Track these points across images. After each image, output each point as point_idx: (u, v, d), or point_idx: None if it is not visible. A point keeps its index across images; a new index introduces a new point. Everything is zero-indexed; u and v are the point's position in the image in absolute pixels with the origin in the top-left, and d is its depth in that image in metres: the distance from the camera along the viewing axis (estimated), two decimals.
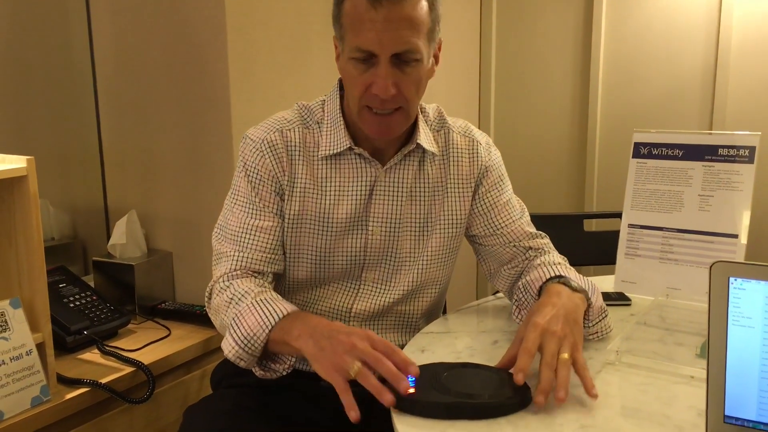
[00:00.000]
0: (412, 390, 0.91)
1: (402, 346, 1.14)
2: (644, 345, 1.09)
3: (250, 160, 1.20)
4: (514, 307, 1.19)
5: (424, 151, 1.21)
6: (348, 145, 1.17)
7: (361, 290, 1.23)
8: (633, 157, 1.35)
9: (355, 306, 1.23)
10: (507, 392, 0.91)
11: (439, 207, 1.23)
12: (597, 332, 1.13)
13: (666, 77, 2.27)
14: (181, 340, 1.51)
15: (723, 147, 1.27)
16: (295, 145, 1.19)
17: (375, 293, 1.23)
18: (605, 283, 1.40)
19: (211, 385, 1.38)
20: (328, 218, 1.19)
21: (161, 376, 1.43)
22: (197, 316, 1.58)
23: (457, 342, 1.14)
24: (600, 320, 1.13)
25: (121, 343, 1.47)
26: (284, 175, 1.18)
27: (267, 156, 1.19)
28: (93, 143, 1.78)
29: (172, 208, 1.72)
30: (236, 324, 1.09)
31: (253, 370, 1.13)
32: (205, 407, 1.21)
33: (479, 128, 1.34)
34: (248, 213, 1.20)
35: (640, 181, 1.34)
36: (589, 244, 1.85)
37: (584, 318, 1.09)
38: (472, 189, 1.25)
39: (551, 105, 2.47)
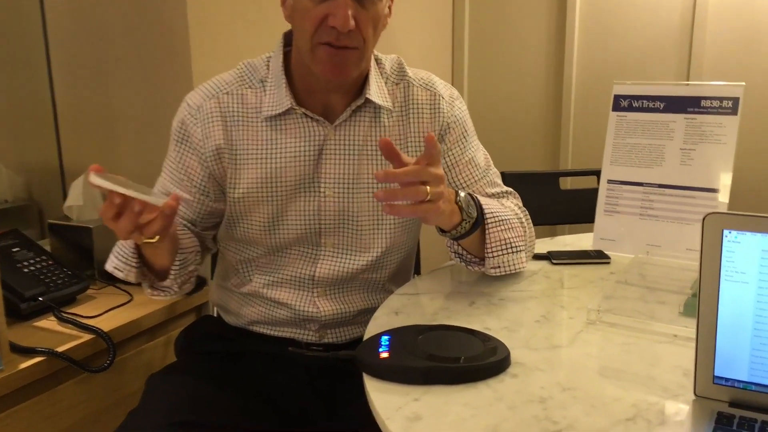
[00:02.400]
0: (385, 354, 0.86)
1: (373, 309, 1.09)
2: (625, 304, 1.05)
3: (183, 127, 1.14)
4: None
5: (377, 106, 1.14)
6: (289, 105, 1.10)
7: (321, 256, 1.17)
8: (613, 110, 1.30)
9: (317, 272, 1.17)
10: (485, 355, 0.86)
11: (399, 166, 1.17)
12: (499, 267, 1.11)
13: (643, 30, 2.22)
14: (143, 305, 1.44)
15: (706, 98, 1.22)
16: (232, 111, 1.12)
17: (337, 259, 1.17)
18: (584, 241, 1.36)
19: (175, 353, 1.32)
20: (276, 181, 1.13)
21: (123, 344, 1.37)
22: None
23: (432, 303, 1.09)
24: (502, 254, 1.10)
25: (80, 310, 1.40)
26: (219, 146, 1.12)
27: (200, 126, 1.13)
28: (45, 100, 1.68)
29: (132, 167, 1.64)
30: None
31: (145, 291, 1.13)
32: (167, 376, 1.15)
33: (453, 84, 1.26)
34: (171, 180, 1.15)
35: (620, 135, 1.29)
36: (564, 202, 1.81)
37: (483, 247, 1.10)
38: None
39: (526, 59, 2.41)
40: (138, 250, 1.06)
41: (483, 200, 1.10)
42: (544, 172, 1.98)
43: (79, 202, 1.53)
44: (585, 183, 1.77)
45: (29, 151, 1.74)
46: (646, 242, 1.24)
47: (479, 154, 1.22)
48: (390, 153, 0.94)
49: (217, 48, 1.56)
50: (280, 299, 1.19)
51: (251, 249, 1.18)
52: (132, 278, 1.08)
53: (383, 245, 1.17)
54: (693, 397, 0.76)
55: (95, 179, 0.89)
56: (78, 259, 1.53)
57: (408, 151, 1.16)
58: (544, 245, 1.32)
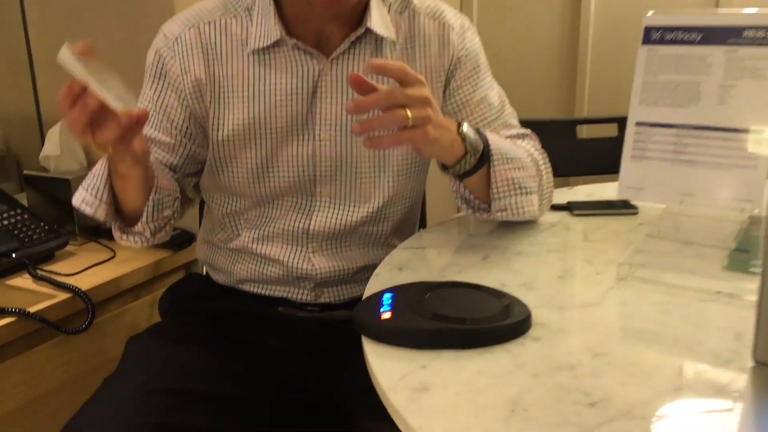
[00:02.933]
0: (387, 315, 0.74)
1: (374, 266, 0.97)
2: (660, 258, 0.93)
3: (158, 62, 1.01)
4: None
5: (379, 37, 1.01)
6: (278, 36, 0.97)
7: (316, 207, 1.05)
8: (642, 43, 1.16)
9: (312, 225, 1.05)
10: (503, 315, 0.74)
11: None
12: (506, 209, 0.98)
13: None
14: (127, 262, 1.33)
15: (749, 28, 1.08)
16: (215, 43, 0.99)
17: (333, 211, 1.05)
18: (607, 190, 1.23)
19: (159, 313, 1.21)
20: (265, 123, 1.00)
21: (104, 304, 1.26)
22: None
23: (439, 258, 0.97)
24: (510, 195, 0.97)
25: (58, 267, 1.29)
26: (199, 82, 0.99)
27: (177, 59, 0.99)
28: (19, 40, 1.54)
29: None
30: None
31: (114, 234, 1.01)
32: (148, 338, 1.05)
33: None
34: (148, 121, 1.01)
35: (651, 72, 1.16)
36: (582, 152, 1.68)
37: (488, 187, 0.97)
38: (443, 83, 1.06)
39: None
40: (111, 183, 0.94)
41: (490, 135, 0.97)
42: (560, 119, 1.85)
43: (56, 151, 1.41)
44: (604, 131, 1.65)
45: (4, 98, 1.61)
46: (678, 191, 1.12)
47: (493, 92, 1.09)
48: (363, 88, 0.81)
49: None
50: (272, 255, 1.07)
51: (238, 200, 1.06)
52: (101, 215, 0.96)
53: (385, 194, 1.05)
54: (751, 363, 0.65)
55: (63, 56, 0.76)
56: (57, 213, 1.42)
57: None
58: (563, 195, 1.20)
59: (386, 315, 0.74)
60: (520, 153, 0.99)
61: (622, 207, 1.13)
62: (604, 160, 1.67)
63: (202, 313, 1.12)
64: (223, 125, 1.00)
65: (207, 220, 1.17)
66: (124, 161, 0.87)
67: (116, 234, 1.01)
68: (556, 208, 1.13)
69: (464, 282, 0.84)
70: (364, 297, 0.83)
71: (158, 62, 1.00)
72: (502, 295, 0.79)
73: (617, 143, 1.73)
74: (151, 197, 0.95)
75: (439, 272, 0.91)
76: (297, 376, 1.04)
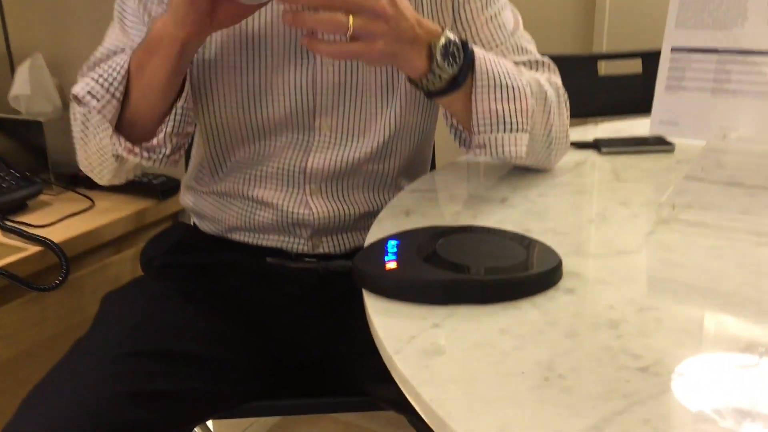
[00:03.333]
0: (392, 265, 0.63)
1: (378, 209, 0.86)
2: (705, 197, 0.81)
3: None
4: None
5: None
6: None
7: (315, 143, 0.93)
8: None
9: (310, 162, 0.93)
10: (529, 263, 0.63)
11: None
12: (484, 146, 0.84)
13: None
14: (107, 212, 1.22)
15: None
16: None
17: (334, 146, 0.93)
18: (636, 127, 1.11)
19: (141, 267, 1.10)
20: (257, 45, 0.87)
21: (81, 258, 1.15)
22: (129, 184, 1.28)
23: (452, 202, 0.85)
24: (489, 131, 0.83)
25: (30, 218, 1.18)
26: None
27: None
28: None
29: (91, 49, 1.37)
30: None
31: (118, 148, 0.83)
32: (125, 294, 0.94)
33: None
34: (132, 34, 0.88)
35: None
36: (604, 90, 1.55)
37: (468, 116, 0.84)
38: (451, 12, 0.92)
39: None
40: (129, 75, 0.80)
41: (485, 56, 0.83)
42: (578, 55, 1.70)
43: (26, 91, 1.28)
44: (626, 68, 1.52)
45: None
46: (720, 124, 0.99)
47: (506, 11, 0.95)
48: None
49: None
50: (264, 198, 0.95)
51: (226, 135, 0.94)
52: (108, 114, 0.80)
53: (393, 125, 0.92)
54: None
55: None
56: (30, 159, 1.30)
57: (423, 8, 0.90)
58: (587, 132, 1.07)
59: (391, 265, 0.63)
60: (517, 81, 0.85)
61: (656, 143, 1.00)
62: (626, 99, 1.54)
63: (188, 265, 1.01)
64: (208, 44, 0.87)
65: (192, 161, 1.05)
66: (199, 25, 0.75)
67: (122, 146, 0.83)
68: (581, 146, 1.01)
69: (482, 226, 0.73)
70: (365, 245, 0.72)
71: None
72: (527, 240, 0.68)
73: (642, 80, 1.60)
74: (180, 104, 0.83)
75: (453, 217, 0.80)
76: (294, 335, 0.94)
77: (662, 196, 0.77)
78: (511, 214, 0.79)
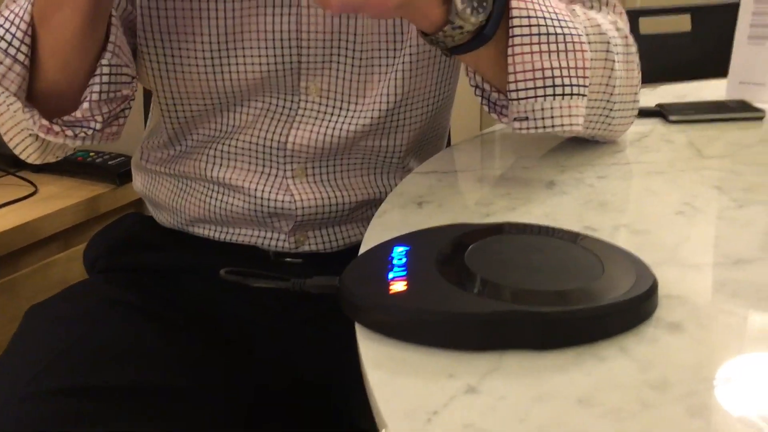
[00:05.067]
0: (401, 286, 0.41)
1: (380, 197, 0.64)
2: None
3: None
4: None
5: None
6: None
7: (300, 111, 0.70)
8: None
9: (292, 136, 0.71)
10: (607, 283, 0.41)
11: None
12: (526, 118, 0.61)
13: None
14: (52, 200, 1.00)
15: None
16: None
17: (325, 115, 0.71)
18: (705, 90, 0.88)
19: (85, 268, 0.88)
20: None
21: (19, 255, 0.94)
22: (80, 166, 1.06)
23: (481, 187, 0.63)
24: (533, 95, 0.60)
25: None
26: None
27: None
28: None
29: None
30: None
31: (34, 126, 0.61)
32: (54, 306, 0.72)
33: None
34: None
35: None
36: (647, 52, 1.32)
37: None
38: None
39: None
40: (33, 22, 0.57)
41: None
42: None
43: None
44: (673, 25, 1.30)
45: None
46: None
47: None
48: None
49: None
50: (233, 182, 0.74)
51: (185, 101, 0.72)
52: (13, 84, 0.58)
53: (398, 89, 0.70)
54: None
55: None
56: None
57: None
58: (645, 97, 0.85)
59: (398, 286, 0.41)
60: (570, 27, 0.62)
61: (740, 110, 0.78)
62: (674, 62, 1.32)
63: (140, 267, 0.79)
64: None
65: (144, 133, 0.83)
66: None
67: (36, 125, 0.61)
68: (641, 113, 0.78)
69: (527, 224, 0.51)
70: (360, 250, 0.50)
71: None
72: (596, 244, 0.46)
73: (690, 40, 1.38)
74: (106, 60, 0.60)
75: (483, 209, 0.57)
76: (280, 354, 0.72)
77: None
78: (565, 205, 0.57)
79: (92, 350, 0.65)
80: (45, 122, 0.61)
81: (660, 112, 0.79)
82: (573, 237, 0.47)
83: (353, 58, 0.69)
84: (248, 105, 0.71)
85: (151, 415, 0.61)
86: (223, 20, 0.66)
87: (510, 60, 0.60)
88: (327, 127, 0.71)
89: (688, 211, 0.54)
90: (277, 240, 0.76)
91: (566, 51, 0.61)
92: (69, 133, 0.62)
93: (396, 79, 0.70)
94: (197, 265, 0.78)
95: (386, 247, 0.46)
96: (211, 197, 0.76)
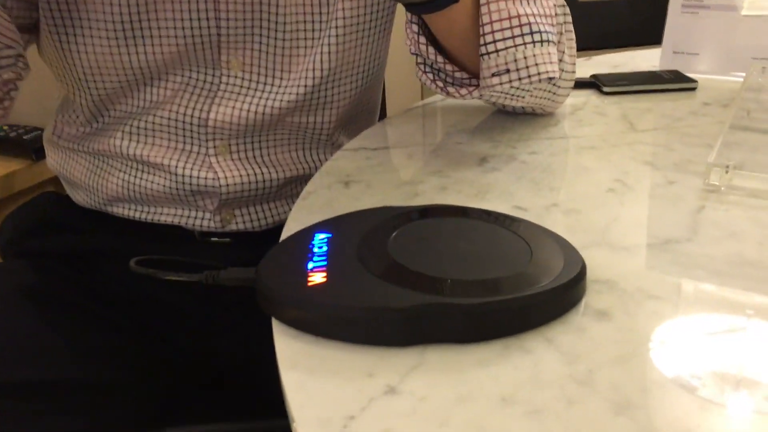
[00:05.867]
0: (320, 277, 0.39)
1: (308, 173, 0.61)
2: (758, 155, 0.58)
3: None
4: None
5: None
6: None
7: (221, 85, 0.67)
8: None
9: (214, 113, 0.67)
10: (534, 270, 0.39)
11: None
12: (507, 70, 0.58)
13: None
14: None
15: None
16: None
17: (248, 91, 0.67)
18: (639, 59, 0.87)
19: None
20: None
21: None
22: None
23: (411, 164, 0.61)
24: (513, 43, 0.58)
25: None
26: None
27: None
28: None
29: None
30: None
31: None
32: None
33: None
34: None
35: None
36: (582, 20, 1.31)
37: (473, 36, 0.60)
38: None
39: None
40: None
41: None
42: None
43: None
44: None
45: None
46: (755, 53, 0.76)
47: None
48: None
49: None
50: (153, 159, 0.70)
51: (97, 78, 0.67)
52: None
53: (326, 63, 0.67)
54: None
55: None
56: None
57: None
58: (581, 68, 0.83)
59: (317, 277, 0.38)
60: None
61: (673, 80, 0.77)
62: (609, 30, 1.32)
63: (55, 251, 0.75)
64: None
65: (56, 106, 0.78)
66: None
67: None
68: (577, 84, 0.77)
69: (455, 206, 0.49)
70: (282, 236, 0.47)
71: None
72: (524, 227, 0.44)
73: (626, 7, 1.38)
74: None
75: (411, 189, 0.55)
76: (203, 341, 0.70)
77: (710, 155, 0.54)
78: (496, 182, 0.55)
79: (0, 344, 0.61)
80: None
81: (594, 83, 0.77)
82: (502, 220, 0.45)
83: (276, 30, 0.65)
84: (166, 80, 0.67)
85: (64, 411, 0.58)
86: None
87: (485, 9, 0.57)
88: (250, 104, 0.67)
89: (620, 188, 0.53)
90: (202, 219, 0.72)
91: (531, 1, 0.59)
92: None
93: (322, 53, 0.66)
94: (116, 248, 0.74)
95: (306, 235, 0.43)
96: (130, 175, 0.72)
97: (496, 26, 0.57)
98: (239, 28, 0.64)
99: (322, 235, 0.43)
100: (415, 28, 0.61)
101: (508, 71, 0.58)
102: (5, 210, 0.99)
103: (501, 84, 0.59)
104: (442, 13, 0.57)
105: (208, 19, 0.63)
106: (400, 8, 0.65)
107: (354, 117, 0.75)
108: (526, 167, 0.58)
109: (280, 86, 0.67)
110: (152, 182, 0.71)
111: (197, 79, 0.67)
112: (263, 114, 0.68)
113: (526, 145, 0.62)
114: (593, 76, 0.79)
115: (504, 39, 0.57)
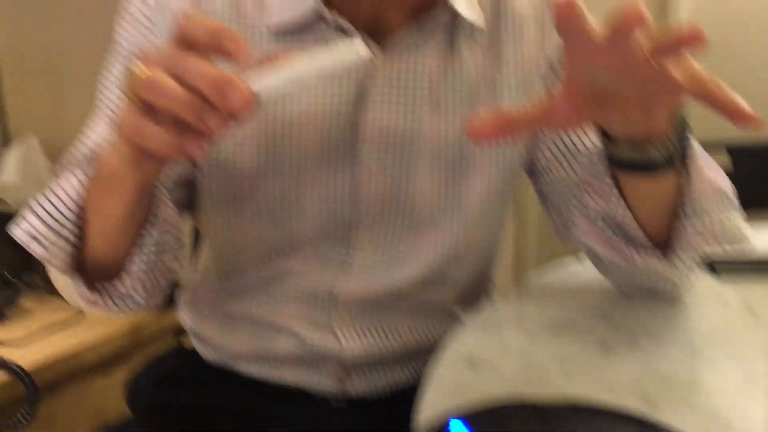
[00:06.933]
0: None
1: (428, 345, 0.64)
2: None
3: (132, 38, 0.68)
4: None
5: (457, 19, 0.68)
6: (313, 8, 0.64)
7: (351, 260, 0.72)
8: None
9: (342, 286, 0.72)
10: None
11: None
12: (712, 236, 0.61)
13: None
14: (96, 324, 1.02)
15: None
16: (217, 14, 0.67)
17: (375, 267, 0.72)
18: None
19: (127, 404, 0.88)
20: (286, 142, 0.67)
21: (62, 382, 0.94)
22: None
23: (535, 348, 0.63)
24: (716, 210, 0.60)
25: (4, 331, 0.98)
26: None
27: (162, 38, 0.66)
28: None
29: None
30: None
31: (78, 297, 0.62)
32: None
33: None
34: (103, 129, 0.68)
35: None
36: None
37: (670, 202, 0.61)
38: (542, 76, 0.72)
39: None
40: (83, 203, 0.59)
41: None
42: (704, 140, 1.49)
43: (15, 178, 1.11)
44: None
45: None
46: None
47: None
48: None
49: None
50: (281, 324, 0.75)
51: (239, 250, 0.74)
52: (58, 260, 0.59)
53: (452, 243, 0.72)
54: None
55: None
56: (14, 256, 1.11)
57: (501, 93, 0.71)
58: None
59: None
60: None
61: None
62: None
63: (183, 405, 0.79)
64: (223, 140, 0.68)
65: (196, 270, 0.85)
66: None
67: (83, 295, 0.63)
68: None
69: (588, 405, 0.50)
70: (416, 424, 0.49)
71: (130, 38, 0.68)
72: None
73: (732, 179, 1.38)
74: (152, 234, 0.60)
75: (537, 373, 0.57)
76: None
77: None
78: (621, 372, 0.56)
79: None
80: (89, 294, 0.61)
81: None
82: (634, 422, 0.46)
83: (406, 215, 0.70)
84: (299, 253, 0.72)
85: None
86: (283, 179, 0.68)
87: (693, 174, 0.58)
88: (376, 278, 0.72)
89: (751, 390, 0.53)
90: (324, 382, 0.76)
91: (718, 170, 0.63)
92: (112, 306, 0.63)
93: (450, 235, 0.71)
94: (240, 406, 0.77)
95: (442, 426, 0.45)
96: (258, 336, 0.77)
97: (701, 193, 0.59)
98: (372, 213, 0.70)
99: (458, 424, 0.44)
100: (610, 185, 0.61)
101: (716, 238, 0.61)
102: (130, 357, 1.05)
103: (700, 248, 0.61)
104: (650, 183, 0.58)
105: (344, 204, 0.69)
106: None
107: (470, 291, 0.79)
108: (650, 357, 0.58)
109: (404, 264, 0.72)
110: (278, 344, 0.75)
111: (328, 253, 0.72)
112: (388, 288, 0.72)
113: (647, 327, 0.63)
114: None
115: (709, 199, 0.60)
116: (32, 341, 0.96)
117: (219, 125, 0.46)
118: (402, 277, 0.72)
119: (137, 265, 0.60)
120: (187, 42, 0.47)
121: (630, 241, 0.63)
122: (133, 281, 0.61)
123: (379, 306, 0.74)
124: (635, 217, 0.62)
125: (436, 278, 0.73)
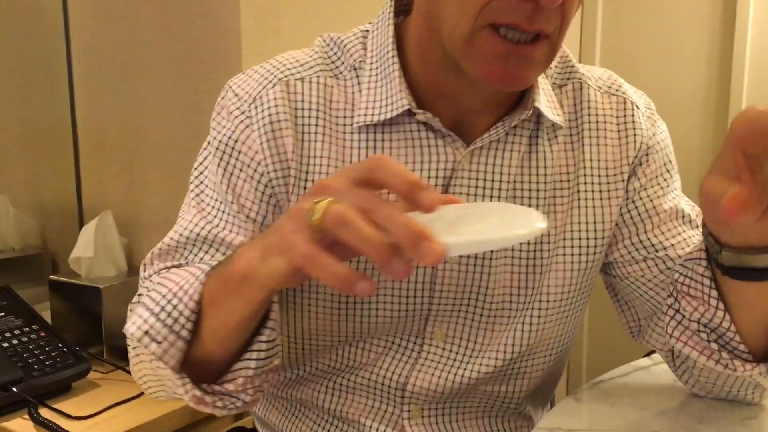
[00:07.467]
0: None
1: None
2: None
3: (227, 131, 0.69)
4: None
5: (540, 120, 0.70)
6: (405, 107, 0.66)
7: (423, 354, 0.72)
8: None
9: (413, 378, 0.72)
10: None
11: (565, 216, 0.71)
12: None
13: None
14: (160, 402, 1.02)
15: None
16: (310, 108, 0.68)
17: (447, 360, 0.72)
18: None
19: None
20: None
21: None
22: None
23: None
24: None
25: (70, 405, 1.00)
26: (287, 161, 0.67)
27: (256, 128, 0.68)
28: (65, 120, 1.32)
29: (164, 209, 1.24)
30: (151, 290, 0.61)
31: (185, 395, 0.59)
32: None
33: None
34: (211, 217, 0.69)
35: None
36: None
37: None
38: (624, 183, 0.73)
39: (682, 38, 1.84)
40: (200, 299, 0.58)
41: None
42: None
43: (88, 252, 1.15)
44: None
45: (44, 184, 1.39)
46: None
47: (683, 199, 0.76)
48: None
49: (282, 46, 1.17)
50: (348, 416, 0.74)
51: (311, 339, 0.74)
52: (172, 359, 0.57)
53: (526, 338, 0.71)
54: None
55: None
56: (84, 329, 1.14)
57: (581, 192, 0.72)
58: None
59: None
60: None
61: None
62: None
63: None
64: None
65: None
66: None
67: (188, 395, 0.59)
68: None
69: None
70: None
71: (226, 133, 0.70)
72: None
73: None
74: (265, 335, 0.59)
75: None
76: None
77: None
78: None
79: None
80: (197, 393, 0.59)
81: None
82: None
83: (482, 308, 0.70)
84: (372, 343, 0.72)
85: None
86: (360, 271, 0.69)
87: None
88: (448, 372, 0.72)
89: None
90: None
91: None
92: (219, 404, 0.60)
93: (523, 329, 0.71)
94: None
95: None
96: (323, 428, 0.76)
97: None
98: (449, 304, 0.70)
99: None
100: (715, 294, 0.61)
101: None
102: None
103: None
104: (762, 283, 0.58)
105: (422, 297, 0.70)
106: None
107: (541, 389, 0.78)
108: None
109: (477, 357, 0.72)
110: None
111: (400, 345, 0.72)
112: (459, 382, 0.72)
113: None
114: None
115: None
116: (97, 416, 0.98)
117: (405, 273, 0.46)
118: (473, 371, 0.71)
119: (251, 366, 0.59)
120: (376, 184, 0.48)
121: (731, 351, 0.63)
122: (245, 382, 0.59)
123: (450, 401, 0.73)
124: (735, 323, 0.61)
125: (507, 371, 0.72)
